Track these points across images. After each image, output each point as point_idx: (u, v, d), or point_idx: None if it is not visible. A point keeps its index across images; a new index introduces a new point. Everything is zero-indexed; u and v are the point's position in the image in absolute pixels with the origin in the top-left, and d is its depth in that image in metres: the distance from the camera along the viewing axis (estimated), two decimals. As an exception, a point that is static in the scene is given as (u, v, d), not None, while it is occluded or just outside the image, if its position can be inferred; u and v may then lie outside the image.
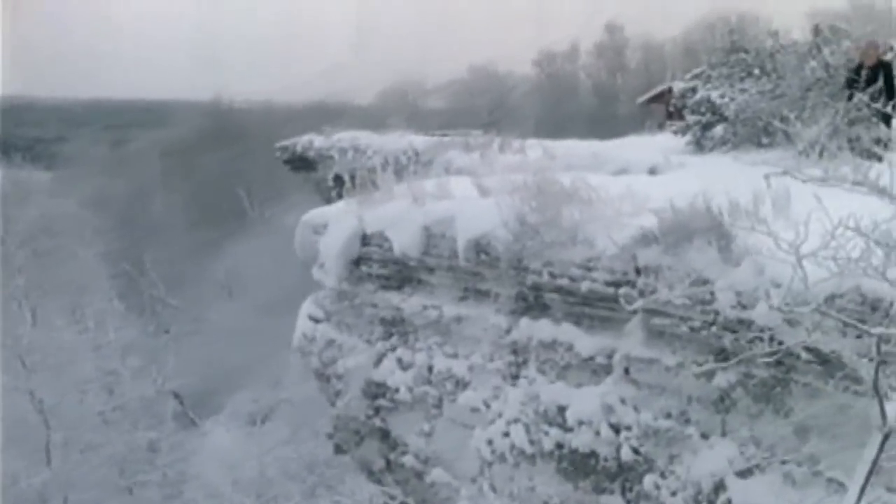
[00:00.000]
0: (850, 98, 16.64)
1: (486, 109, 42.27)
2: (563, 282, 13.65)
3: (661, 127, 38.81)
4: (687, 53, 59.16)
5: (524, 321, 14.43)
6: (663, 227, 12.41)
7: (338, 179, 40.95)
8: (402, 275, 16.52)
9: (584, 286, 13.36)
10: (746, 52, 31.36)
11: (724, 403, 12.10)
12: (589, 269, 13.35)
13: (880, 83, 16.98)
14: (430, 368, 15.94)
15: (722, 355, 11.87)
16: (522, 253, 14.09)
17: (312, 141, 48.00)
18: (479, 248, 14.69)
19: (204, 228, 50.77)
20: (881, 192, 8.34)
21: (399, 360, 16.41)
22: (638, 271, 12.74)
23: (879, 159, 10.71)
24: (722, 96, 30.51)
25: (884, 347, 8.43)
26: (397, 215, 16.06)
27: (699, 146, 29.63)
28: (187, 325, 43.71)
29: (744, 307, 11.42)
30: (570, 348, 13.77)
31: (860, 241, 8.13)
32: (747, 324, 11.26)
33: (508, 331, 14.66)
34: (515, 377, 14.60)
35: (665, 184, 15.65)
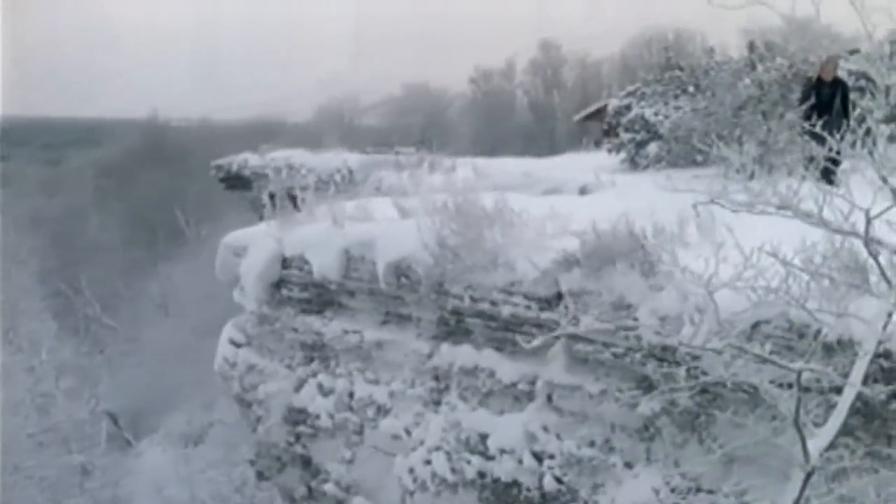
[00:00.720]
0: (808, 116, 16.00)
1: (421, 127, 41.62)
2: (485, 306, 13.04)
3: (597, 144, 38.48)
4: (624, 70, 59.03)
5: (445, 346, 13.82)
6: (585, 251, 11.86)
7: (273, 198, 40.22)
8: (323, 298, 15.84)
9: (506, 311, 12.77)
10: (681, 69, 31.04)
11: (648, 432, 11.60)
12: (510, 294, 12.76)
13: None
14: (351, 394, 15.27)
15: (646, 383, 11.40)
16: (443, 277, 13.46)
17: (248, 160, 47.21)
18: (400, 271, 14.05)
19: (140, 248, 49.81)
20: (806, 216, 7.79)
21: (320, 386, 15.71)
22: (560, 296, 12.17)
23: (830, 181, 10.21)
24: (656, 114, 30.14)
25: (807, 376, 7.96)
26: (317, 237, 15.38)
27: (633, 164, 29.23)
28: (123, 345, 42.80)
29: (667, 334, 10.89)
30: (491, 374, 13.16)
31: (781, 268, 7.63)
32: (671, 350, 10.75)
33: (430, 356, 14.04)
34: (437, 404, 13.98)
35: (592, 204, 15.14)
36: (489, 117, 60.40)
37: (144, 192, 52.99)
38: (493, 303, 12.94)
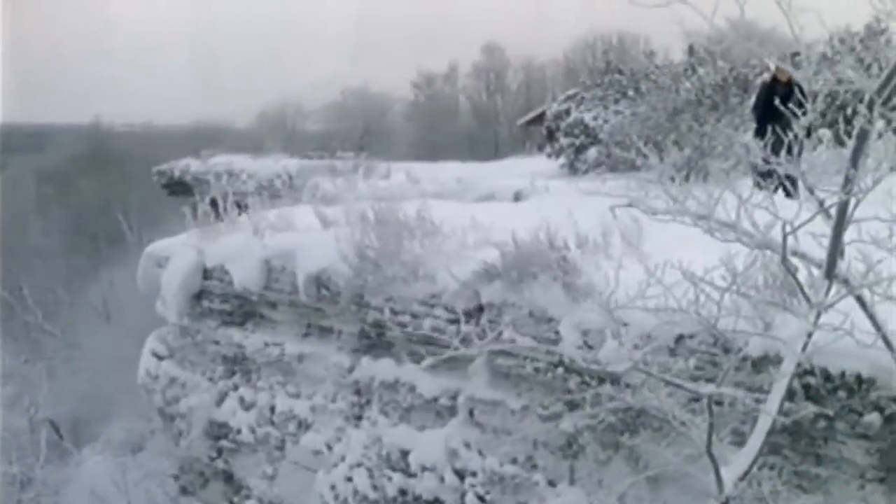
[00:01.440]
0: (760, 124, 15.39)
1: (362, 132, 40.93)
2: (405, 319, 12.41)
3: (540, 148, 38.05)
4: (568, 74, 58.42)
5: (366, 360, 13.20)
6: (506, 262, 11.28)
7: (214, 204, 39.37)
8: (244, 310, 15.15)
9: (427, 324, 12.15)
10: (621, 73, 30.64)
11: (571, 449, 11.04)
12: (431, 306, 12.17)
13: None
14: (273, 409, 14.59)
15: (569, 398, 10.84)
16: (363, 288, 12.85)
17: (189, 165, 46.53)
18: (320, 283, 13.42)
19: (82, 254, 48.57)
20: (723, 228, 7.22)
21: (241, 400, 15.03)
22: (481, 308, 11.60)
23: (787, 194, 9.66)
24: (595, 118, 29.73)
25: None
26: (237, 248, 14.70)
27: (573, 169, 28.80)
28: (64, 352, 41.65)
29: (590, 348, 10.37)
30: (412, 389, 12.55)
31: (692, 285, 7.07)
32: (595, 363, 10.19)
33: (351, 370, 13.41)
34: (358, 419, 13.34)
35: (519, 213, 14.51)
36: (432, 122, 59.69)
37: (87, 198, 51.74)
38: (414, 315, 12.34)
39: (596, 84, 31.52)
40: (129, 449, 31.06)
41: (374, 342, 13.23)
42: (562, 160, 30.78)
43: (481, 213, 12.92)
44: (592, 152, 28.88)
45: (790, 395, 8.73)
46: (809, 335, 7.01)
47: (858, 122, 6.51)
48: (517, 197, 21.06)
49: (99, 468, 31.24)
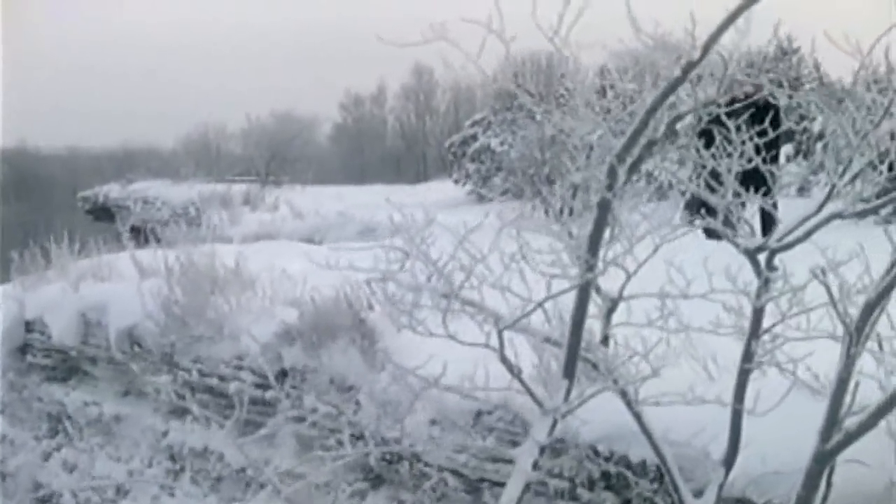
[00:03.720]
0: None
1: (282, 156, 39.42)
2: (213, 381, 11.09)
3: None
4: (498, 96, 57.08)
5: (176, 424, 11.80)
6: (303, 323, 9.98)
7: (135, 231, 37.80)
8: (67, 365, 13.68)
9: (233, 387, 10.80)
10: (531, 95, 29.37)
11: (381, 532, 9.74)
12: (239, 369, 10.82)
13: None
14: (93, 472, 13.13)
15: (372, 474, 9.62)
16: (173, 347, 11.46)
17: (110, 191, 44.90)
18: (133, 339, 12.03)
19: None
20: (474, 306, 5.98)
21: (64, 461, 13.55)
22: (285, 373, 10.29)
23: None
24: (502, 143, 28.55)
25: None
26: (55, 299, 13.23)
27: (480, 196, 27.66)
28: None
29: (389, 419, 9.13)
30: (221, 457, 11.15)
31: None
32: (395, 440, 9.00)
33: (165, 434, 12.00)
34: (172, 487, 11.91)
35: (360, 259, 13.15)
36: (359, 143, 58.34)
37: (7, 225, 49.90)
38: (222, 378, 11.01)
39: (506, 107, 30.42)
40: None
41: (187, 405, 11.84)
42: (468, 187, 29.64)
43: (298, 263, 11.49)
44: (497, 179, 27.73)
45: (590, 483, 7.65)
46: (553, 425, 5.72)
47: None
48: (394, 232, 19.71)
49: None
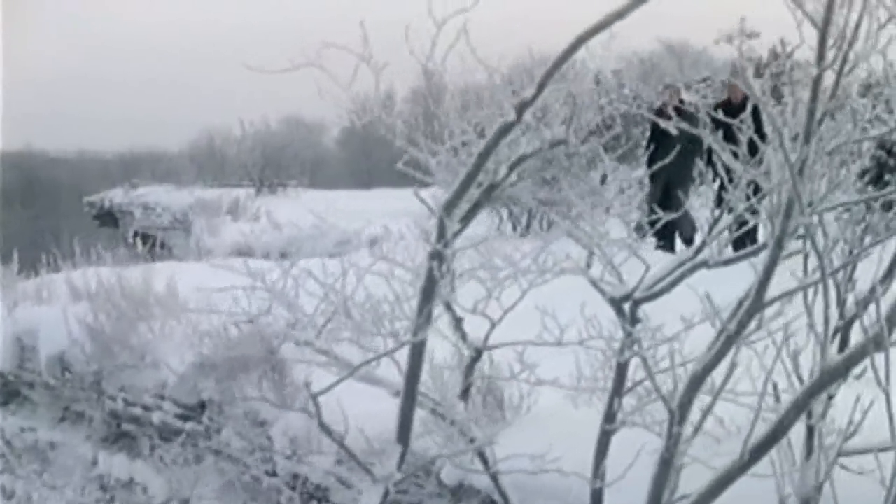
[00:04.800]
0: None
1: (279, 160, 38.72)
2: (137, 411, 10.58)
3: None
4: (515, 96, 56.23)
5: (103, 454, 11.29)
6: (217, 355, 9.44)
7: (138, 237, 37.28)
8: (7, 389, 13.19)
9: (156, 417, 10.31)
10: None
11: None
12: (162, 398, 10.31)
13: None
14: (30, 500, 12.63)
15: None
16: (100, 374, 10.96)
17: (113, 197, 44.49)
18: (64, 364, 11.54)
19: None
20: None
21: (3, 488, 13.05)
22: (203, 405, 9.78)
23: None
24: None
25: None
26: (-9, 321, 12.75)
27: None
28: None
29: (299, 458, 8.61)
30: (145, 490, 10.67)
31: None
32: (302, 479, 8.49)
33: (95, 463, 11.50)
34: (102, 519, 11.43)
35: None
36: (366, 147, 57.62)
37: (13, 230, 49.46)
38: (146, 408, 10.50)
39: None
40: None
41: (116, 434, 11.35)
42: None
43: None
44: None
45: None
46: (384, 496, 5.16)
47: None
48: (373, 242, 19.19)
49: None
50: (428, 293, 4.65)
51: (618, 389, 4.92)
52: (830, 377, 3.51)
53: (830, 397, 4.09)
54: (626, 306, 4.93)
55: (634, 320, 4.89)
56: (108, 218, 44.56)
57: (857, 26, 3.46)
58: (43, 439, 12.36)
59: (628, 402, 5.03)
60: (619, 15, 4.23)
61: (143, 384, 10.46)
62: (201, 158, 46.92)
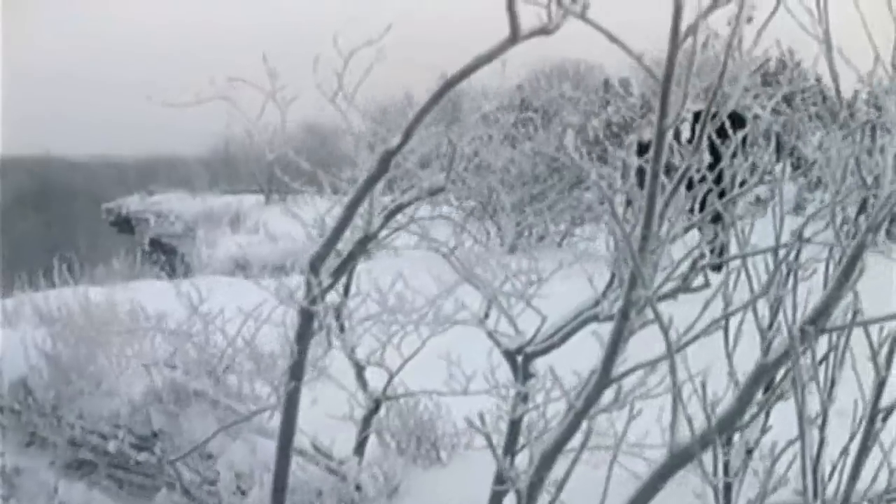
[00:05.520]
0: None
1: (285, 166, 38.44)
2: (94, 439, 10.34)
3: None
4: (523, 105, 55.88)
5: (63, 482, 11.05)
6: (164, 384, 9.21)
7: (155, 244, 37.25)
8: (-25, 413, 13.00)
9: (112, 446, 10.07)
10: (535, 110, 28.56)
11: None
12: (118, 427, 10.08)
13: None
14: (-2, 526, 12.44)
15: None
16: (58, 400, 10.74)
17: (130, 204, 44.52)
18: (27, 389, 11.30)
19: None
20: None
21: (-29, 513, 12.87)
22: (155, 435, 9.54)
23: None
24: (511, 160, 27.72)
25: None
26: (-43, 343, 12.54)
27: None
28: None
29: (242, 493, 8.33)
30: (103, 520, 10.43)
31: None
32: None
33: (56, 490, 11.25)
34: (64, 548, 11.19)
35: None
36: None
37: (30, 236, 49.47)
38: (103, 436, 10.27)
39: (511, 123, 29.60)
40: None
41: (77, 462, 11.12)
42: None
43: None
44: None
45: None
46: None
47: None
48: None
49: None
50: (303, 347, 4.37)
51: (510, 447, 4.62)
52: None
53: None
54: (519, 359, 4.65)
55: (527, 375, 4.60)
56: (126, 225, 44.58)
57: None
58: (10, 464, 12.12)
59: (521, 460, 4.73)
60: (488, 58, 3.94)
61: (99, 412, 10.23)
62: (216, 165, 46.84)
